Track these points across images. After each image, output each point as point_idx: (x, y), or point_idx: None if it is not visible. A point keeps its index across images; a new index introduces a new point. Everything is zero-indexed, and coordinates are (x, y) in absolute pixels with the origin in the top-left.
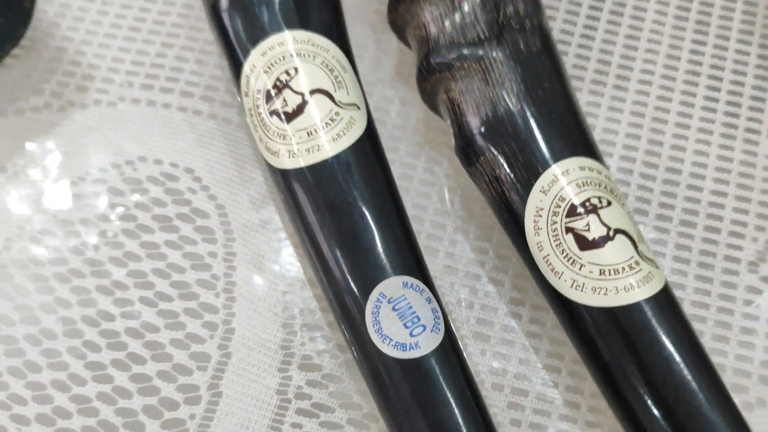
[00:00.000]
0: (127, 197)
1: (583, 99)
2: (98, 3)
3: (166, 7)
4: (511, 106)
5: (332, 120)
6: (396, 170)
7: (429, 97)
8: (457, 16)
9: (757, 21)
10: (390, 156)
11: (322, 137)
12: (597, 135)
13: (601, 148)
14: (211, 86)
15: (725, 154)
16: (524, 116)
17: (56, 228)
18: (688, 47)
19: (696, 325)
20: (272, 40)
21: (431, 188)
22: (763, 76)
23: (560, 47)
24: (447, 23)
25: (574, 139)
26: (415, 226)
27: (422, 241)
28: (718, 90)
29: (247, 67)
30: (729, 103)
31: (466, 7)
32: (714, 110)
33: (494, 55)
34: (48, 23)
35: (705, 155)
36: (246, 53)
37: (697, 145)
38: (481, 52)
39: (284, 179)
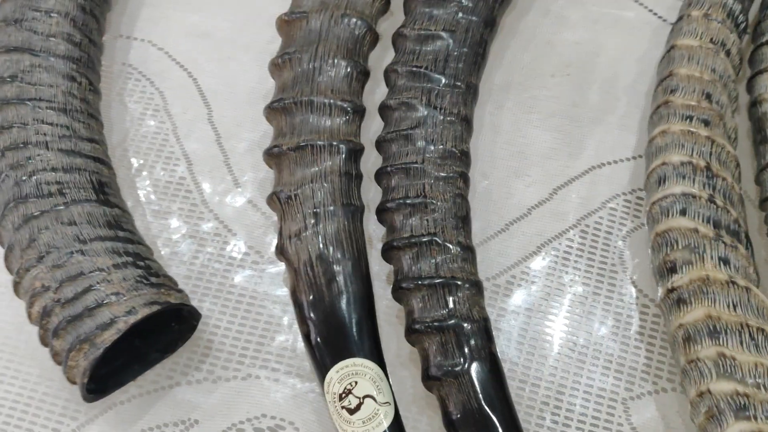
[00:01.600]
0: None
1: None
2: (233, 302)
3: (277, 310)
4: (473, 408)
5: (375, 414)
6: (408, 423)
7: (428, 389)
8: (444, 351)
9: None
10: (404, 413)
11: (369, 425)
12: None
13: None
14: (303, 367)
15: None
16: (481, 414)
17: None
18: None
19: None
20: (343, 363)
21: None
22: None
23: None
24: (439, 354)
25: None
26: None
27: None
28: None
29: (328, 377)
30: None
31: (448, 345)
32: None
33: (464, 375)
34: (202, 323)
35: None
36: (328, 368)
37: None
38: (457, 370)
39: None
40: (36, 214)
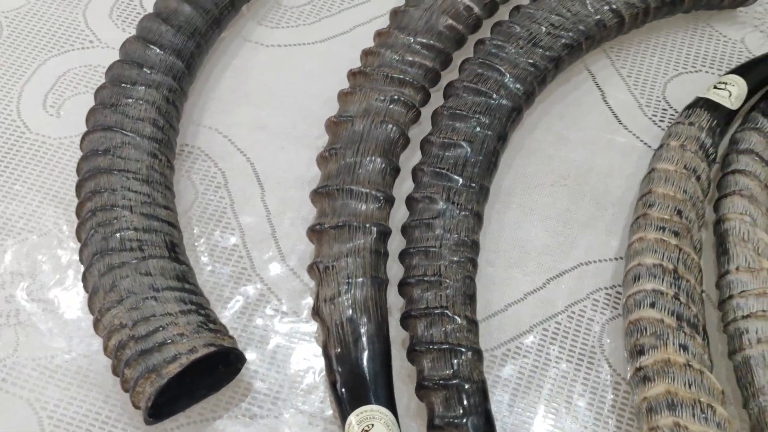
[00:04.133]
0: None
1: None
2: (271, 353)
3: (308, 362)
4: None
5: None
6: None
7: None
8: (447, 405)
9: None
10: None
11: None
12: None
13: None
14: (327, 411)
15: None
16: None
17: None
18: None
19: None
20: (362, 408)
21: None
22: None
23: None
24: (443, 407)
25: None
26: None
27: None
28: None
29: (349, 420)
30: None
31: (451, 400)
32: None
33: (463, 426)
34: (244, 368)
35: None
36: (349, 412)
37: None
38: (457, 422)
39: None
40: (118, 264)
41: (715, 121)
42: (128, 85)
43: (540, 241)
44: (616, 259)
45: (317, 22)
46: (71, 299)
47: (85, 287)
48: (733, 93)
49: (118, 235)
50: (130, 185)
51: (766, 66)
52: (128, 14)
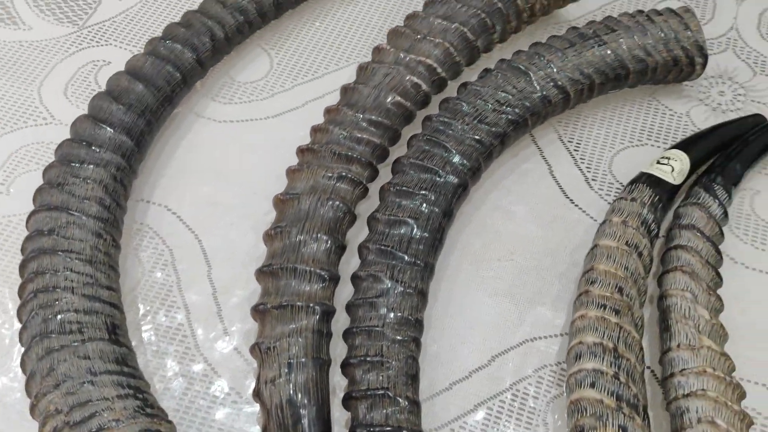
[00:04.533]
0: None
1: None
2: None
3: None
4: None
5: None
6: None
7: None
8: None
9: None
10: None
11: None
12: None
13: None
14: None
15: None
16: None
17: None
18: None
19: None
20: None
21: None
22: None
23: None
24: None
25: None
26: None
27: None
28: None
29: None
30: None
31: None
32: None
33: None
34: None
35: None
36: None
37: None
38: None
39: None
40: (57, 347)
41: (657, 197)
42: (76, 164)
43: (486, 317)
44: (562, 335)
45: (270, 97)
46: (12, 381)
47: (24, 370)
48: (676, 168)
49: (58, 317)
50: (73, 266)
51: (708, 140)
52: (83, 91)
